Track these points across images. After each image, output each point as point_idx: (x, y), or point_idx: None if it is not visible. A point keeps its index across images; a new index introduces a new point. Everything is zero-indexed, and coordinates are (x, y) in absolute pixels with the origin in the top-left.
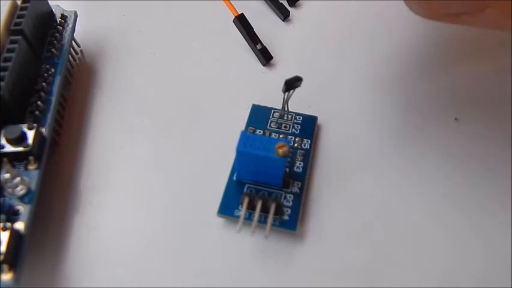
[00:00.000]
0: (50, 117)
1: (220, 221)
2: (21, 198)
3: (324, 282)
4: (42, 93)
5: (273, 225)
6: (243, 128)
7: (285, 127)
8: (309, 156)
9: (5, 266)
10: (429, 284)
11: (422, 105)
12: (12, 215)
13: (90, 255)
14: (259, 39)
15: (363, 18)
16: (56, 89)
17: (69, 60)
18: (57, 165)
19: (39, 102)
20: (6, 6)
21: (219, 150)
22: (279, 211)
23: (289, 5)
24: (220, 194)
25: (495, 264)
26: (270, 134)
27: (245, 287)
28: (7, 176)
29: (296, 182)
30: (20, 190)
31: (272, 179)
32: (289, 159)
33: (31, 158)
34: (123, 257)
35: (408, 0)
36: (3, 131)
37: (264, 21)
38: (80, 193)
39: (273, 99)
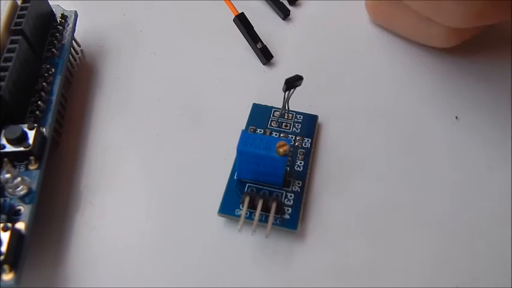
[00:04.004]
0: (50, 117)
1: (221, 220)
2: (22, 198)
3: (325, 281)
4: (43, 93)
5: (273, 224)
6: (243, 127)
7: (286, 126)
8: (309, 155)
9: (5, 266)
10: (429, 283)
11: (422, 103)
12: (13, 215)
13: (91, 255)
14: (259, 38)
15: (363, 17)
16: (56, 88)
17: (69, 60)
18: (57, 165)
19: (39, 102)
20: (6, 6)
21: (219, 149)
22: (279, 210)
23: (290, 4)
24: (221, 193)
25: (495, 264)
26: (270, 133)
27: (245, 286)
28: (8, 176)
29: (297, 181)
30: (21, 190)
31: (273, 178)
32: (289, 158)
33: (32, 158)
34: (124, 257)
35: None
36: (3, 131)
37: (264, 20)
38: (80, 193)
39: (274, 98)
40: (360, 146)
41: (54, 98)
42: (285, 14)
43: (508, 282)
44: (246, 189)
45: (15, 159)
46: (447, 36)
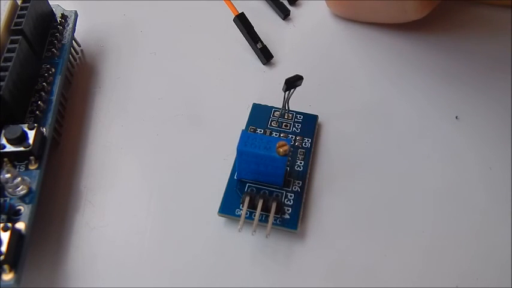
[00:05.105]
0: (50, 117)
1: (221, 220)
2: (22, 198)
3: (325, 281)
4: (43, 93)
5: (274, 224)
6: (243, 127)
7: (286, 126)
8: (309, 155)
9: (5, 266)
10: (430, 283)
11: (423, 103)
12: (13, 215)
13: (91, 254)
14: (259, 38)
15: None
16: (56, 88)
17: (69, 60)
18: (57, 165)
19: (39, 102)
20: (6, 6)
21: (219, 149)
22: (279, 210)
23: (290, 4)
24: (221, 193)
25: (495, 264)
26: (270, 133)
27: (245, 286)
28: (8, 176)
29: (297, 181)
30: (21, 190)
31: (273, 178)
32: (289, 158)
33: (32, 158)
34: (124, 257)
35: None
36: (4, 131)
37: (265, 20)
38: (80, 193)
39: (274, 98)
40: (360, 146)
41: (54, 98)
42: (285, 14)
43: (508, 282)
44: (246, 189)
45: (15, 159)
46: (421, 6)
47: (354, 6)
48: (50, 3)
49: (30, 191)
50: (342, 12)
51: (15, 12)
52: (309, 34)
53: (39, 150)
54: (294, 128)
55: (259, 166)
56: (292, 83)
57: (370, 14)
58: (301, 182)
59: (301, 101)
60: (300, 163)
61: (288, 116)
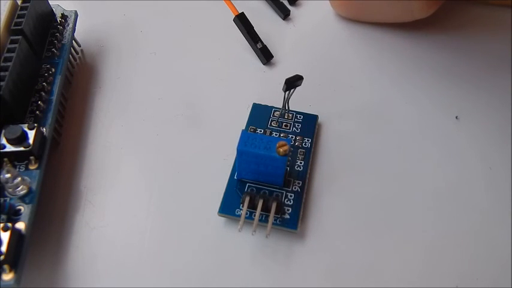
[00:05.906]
0: (50, 117)
1: (221, 220)
2: (22, 198)
3: (325, 281)
4: (43, 93)
5: (274, 224)
6: (243, 127)
7: (286, 126)
8: (309, 155)
9: (5, 266)
10: (429, 283)
11: (423, 103)
12: (13, 215)
13: (91, 254)
14: (259, 38)
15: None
16: (56, 88)
17: (69, 60)
18: (57, 165)
19: (39, 102)
20: (6, 6)
21: (219, 149)
22: (279, 210)
23: (290, 4)
24: (221, 193)
25: (495, 264)
26: (270, 133)
27: (245, 286)
28: (8, 176)
29: (297, 181)
30: (21, 190)
31: (273, 178)
32: (289, 158)
33: (32, 157)
34: (124, 257)
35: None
36: (3, 131)
37: (265, 20)
38: (80, 193)
39: (274, 98)
40: (360, 146)
41: (54, 98)
42: (285, 14)
43: (508, 282)
44: (246, 189)
45: (15, 159)
46: (427, 5)
47: (359, 6)
48: (50, 3)
49: (30, 191)
50: (347, 13)
51: (15, 12)
52: (309, 34)
53: (39, 150)
54: (294, 128)
55: (259, 166)
56: (292, 83)
57: (376, 14)
58: (301, 182)
59: (301, 101)
60: (300, 163)
61: (288, 116)
